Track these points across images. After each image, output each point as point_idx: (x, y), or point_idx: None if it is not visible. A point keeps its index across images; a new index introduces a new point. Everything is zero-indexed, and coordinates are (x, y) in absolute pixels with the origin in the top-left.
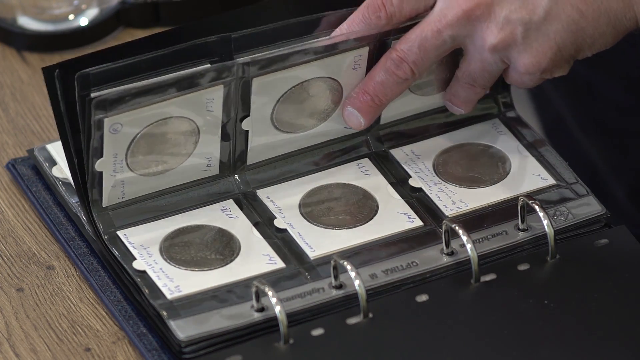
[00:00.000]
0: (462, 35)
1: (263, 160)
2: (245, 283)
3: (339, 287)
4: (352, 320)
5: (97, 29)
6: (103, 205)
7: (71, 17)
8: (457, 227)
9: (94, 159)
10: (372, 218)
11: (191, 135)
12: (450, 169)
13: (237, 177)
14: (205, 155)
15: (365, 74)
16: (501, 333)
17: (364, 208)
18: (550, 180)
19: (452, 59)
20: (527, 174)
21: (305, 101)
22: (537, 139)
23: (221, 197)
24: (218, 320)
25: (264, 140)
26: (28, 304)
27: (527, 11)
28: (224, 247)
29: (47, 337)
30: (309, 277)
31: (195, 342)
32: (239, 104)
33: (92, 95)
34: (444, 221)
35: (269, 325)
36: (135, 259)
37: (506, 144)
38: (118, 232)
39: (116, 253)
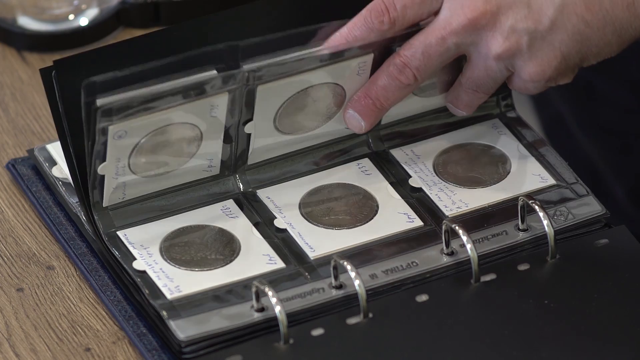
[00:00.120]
0: (466, 43)
1: (263, 160)
2: (245, 283)
3: (339, 287)
4: (352, 320)
5: (97, 29)
6: (103, 205)
7: (71, 17)
8: (457, 227)
9: (97, 162)
10: (372, 218)
11: (194, 140)
12: (450, 169)
13: (238, 177)
14: (206, 156)
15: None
16: (501, 333)
17: (364, 208)
18: (551, 181)
19: (455, 62)
20: (527, 174)
21: (309, 105)
22: (537, 139)
23: (221, 197)
24: (218, 320)
25: (265, 142)
26: (28, 304)
27: (532, 21)
28: (224, 247)
29: (47, 337)
30: (309, 277)
31: (195, 342)
32: (243, 110)
33: (98, 102)
34: (444, 221)
35: (269, 325)
36: (135, 259)
37: (506, 144)
38: (118, 232)
39: (116, 253)
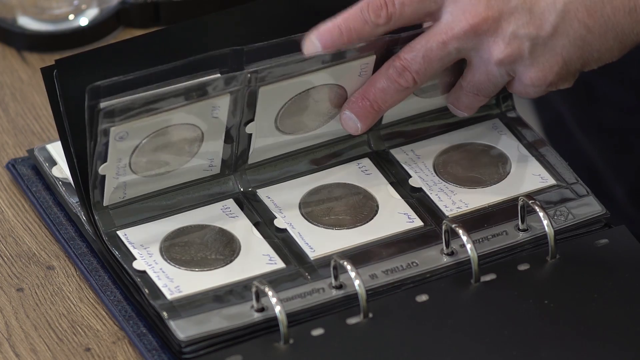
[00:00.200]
0: (467, 48)
1: (264, 160)
2: (246, 283)
3: (339, 287)
4: (352, 320)
5: (97, 29)
6: (104, 205)
7: (71, 17)
8: (457, 227)
9: (98, 163)
10: (372, 218)
11: (195, 140)
12: (450, 169)
13: (238, 177)
14: (207, 156)
15: None
16: (501, 333)
17: (364, 208)
18: (551, 181)
19: (457, 64)
20: (527, 174)
21: (310, 106)
22: (537, 139)
23: (221, 197)
24: (218, 321)
25: (266, 142)
26: (28, 304)
27: (534, 27)
28: (224, 247)
29: (47, 337)
30: (309, 277)
31: (195, 342)
32: (244, 110)
33: (101, 104)
34: (444, 221)
35: (269, 325)
36: (135, 259)
37: (506, 144)
38: (118, 232)
39: (116, 253)
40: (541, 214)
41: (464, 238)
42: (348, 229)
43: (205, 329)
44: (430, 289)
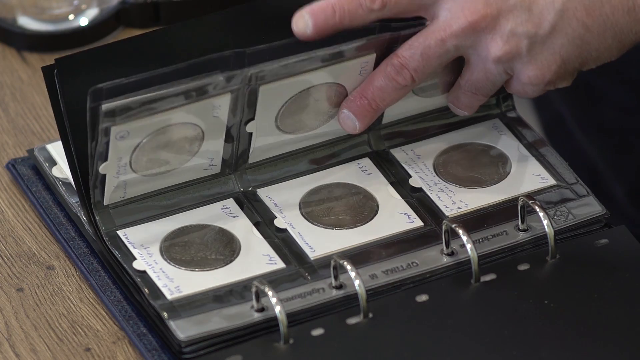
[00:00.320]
0: (466, 45)
1: (264, 159)
2: (246, 283)
3: (339, 287)
4: (352, 320)
5: (97, 29)
6: (104, 204)
7: (71, 17)
8: (457, 228)
9: (99, 162)
10: (372, 218)
11: (196, 139)
12: (450, 169)
13: (238, 176)
14: (208, 155)
15: None
16: (501, 333)
17: (364, 208)
18: (551, 181)
19: (456, 63)
20: (528, 174)
21: (310, 105)
22: (537, 139)
23: (222, 196)
24: (218, 321)
25: (266, 141)
26: (28, 304)
27: (533, 25)
28: (224, 247)
29: (47, 337)
30: (309, 277)
31: (195, 342)
32: (245, 109)
33: (103, 105)
34: (444, 221)
35: (269, 325)
36: (135, 258)
37: (506, 144)
38: (118, 232)
39: (116, 253)
40: (541, 214)
41: (464, 238)
42: (348, 229)
43: (205, 329)
44: (430, 289)
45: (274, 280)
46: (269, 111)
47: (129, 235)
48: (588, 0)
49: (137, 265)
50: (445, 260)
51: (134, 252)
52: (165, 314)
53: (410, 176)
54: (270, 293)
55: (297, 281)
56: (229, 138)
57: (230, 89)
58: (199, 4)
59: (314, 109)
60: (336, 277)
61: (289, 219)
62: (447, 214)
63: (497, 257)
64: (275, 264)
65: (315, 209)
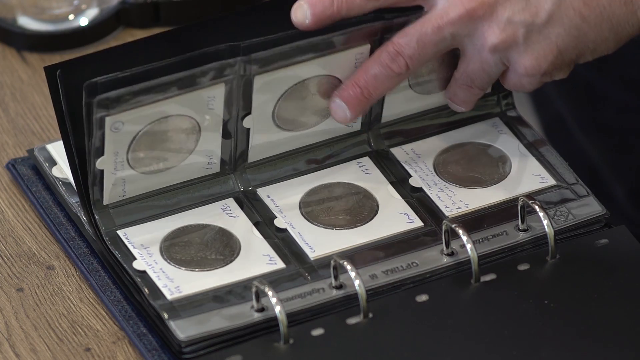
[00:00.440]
0: (462, 34)
1: (264, 158)
2: (246, 283)
3: (339, 287)
4: (352, 320)
5: (97, 29)
6: (104, 203)
7: (71, 17)
8: (457, 228)
9: (95, 157)
10: (372, 218)
11: (192, 133)
12: (450, 168)
13: (238, 176)
14: (206, 153)
15: None
16: (501, 333)
17: (364, 208)
18: (551, 181)
19: (453, 59)
20: (528, 174)
21: (307, 99)
22: (537, 139)
23: (221, 196)
24: (218, 321)
25: (265, 138)
26: (28, 304)
27: (530, 14)
28: (224, 247)
29: (47, 337)
30: (309, 277)
31: (195, 342)
32: (240, 102)
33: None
34: (444, 221)
35: (269, 325)
36: (135, 258)
37: (507, 143)
38: (118, 232)
39: (116, 253)
40: (541, 214)
41: (464, 238)
42: (348, 229)
43: (205, 329)
44: (430, 289)
45: (274, 280)
46: (266, 105)
47: (129, 235)
48: None
49: (137, 265)
50: (445, 260)
51: (134, 252)
52: (165, 314)
53: (410, 176)
54: (270, 293)
55: (297, 281)
56: (226, 134)
57: (224, 79)
58: (199, 4)
59: (311, 104)
60: (336, 277)
61: (289, 219)
62: (447, 214)
63: (497, 257)
64: (275, 264)
65: (315, 208)
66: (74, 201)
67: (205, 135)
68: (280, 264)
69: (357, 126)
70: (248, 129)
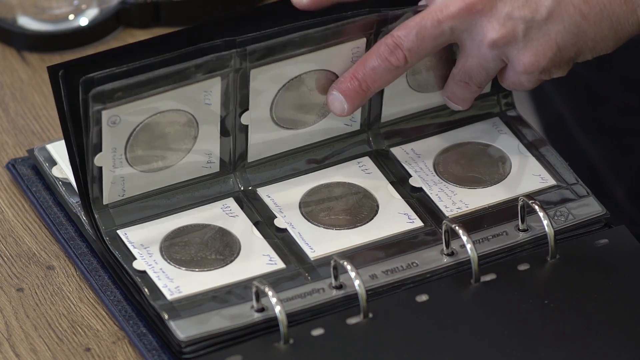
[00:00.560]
0: (461, 28)
1: (263, 158)
2: (245, 283)
3: (339, 287)
4: (352, 320)
5: (97, 29)
6: (104, 203)
7: (71, 17)
8: (457, 228)
9: (93, 154)
10: (372, 218)
11: (190, 129)
12: (450, 168)
13: (238, 175)
14: (205, 151)
15: None
16: (501, 333)
17: (364, 208)
18: (551, 181)
19: (452, 57)
20: (528, 175)
21: (304, 95)
22: (537, 139)
23: (221, 196)
24: (218, 321)
25: (264, 136)
26: (28, 304)
27: (529, 10)
28: (224, 247)
29: (47, 337)
30: (309, 277)
31: (196, 342)
32: (237, 98)
33: (92, 90)
34: (444, 221)
35: (269, 325)
36: (135, 258)
37: (506, 143)
38: (118, 231)
39: (116, 253)
40: (541, 214)
41: (464, 238)
42: (348, 229)
43: (205, 329)
44: (430, 289)
45: (274, 280)
46: (263, 101)
47: (129, 235)
48: None
49: (137, 265)
50: (445, 260)
51: (134, 252)
52: (165, 315)
53: (410, 175)
54: (270, 293)
55: (297, 281)
56: (224, 131)
57: (219, 72)
58: (200, 4)
59: (309, 100)
60: (336, 277)
61: (289, 219)
62: (447, 214)
63: (497, 257)
64: (275, 264)
65: (315, 208)
66: (74, 201)
67: (203, 132)
68: (280, 264)
69: (356, 126)
70: (246, 127)
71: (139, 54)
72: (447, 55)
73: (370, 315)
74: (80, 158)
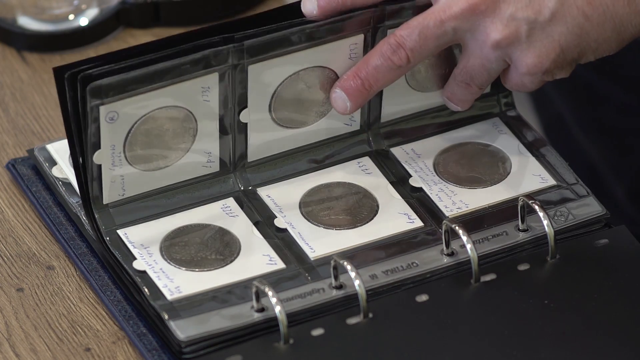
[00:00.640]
0: (464, 28)
1: (263, 157)
2: (246, 283)
3: (339, 287)
4: (352, 320)
5: (97, 29)
6: (104, 202)
7: (71, 17)
8: (457, 228)
9: (92, 152)
10: (372, 218)
11: (188, 126)
12: (450, 168)
13: (238, 175)
14: (204, 150)
15: None
16: (501, 333)
17: (364, 208)
18: (551, 181)
19: (453, 57)
20: (528, 175)
21: (303, 93)
22: (537, 139)
23: (221, 196)
24: (218, 321)
25: (263, 135)
26: (28, 304)
27: (533, 11)
28: (224, 247)
29: (47, 337)
30: (309, 277)
31: (196, 342)
32: (235, 95)
33: (89, 85)
34: (444, 221)
35: (269, 325)
36: (135, 258)
37: (507, 143)
38: (118, 231)
39: (116, 253)
40: (541, 214)
41: (464, 238)
42: (348, 229)
43: (206, 329)
44: (430, 289)
45: (274, 280)
46: (262, 98)
47: (129, 235)
48: None
49: (137, 265)
50: (445, 260)
51: (134, 252)
52: (165, 315)
53: (410, 175)
54: (270, 293)
55: (297, 281)
56: (223, 130)
57: (217, 68)
58: (200, 4)
59: (307, 98)
60: (336, 277)
61: (289, 219)
62: (447, 214)
63: (497, 257)
64: (275, 264)
65: (315, 208)
66: (74, 201)
67: (202, 130)
68: (280, 264)
69: (356, 125)
70: (246, 126)
71: (143, 54)
72: (447, 54)
73: (370, 315)
74: (83, 159)
